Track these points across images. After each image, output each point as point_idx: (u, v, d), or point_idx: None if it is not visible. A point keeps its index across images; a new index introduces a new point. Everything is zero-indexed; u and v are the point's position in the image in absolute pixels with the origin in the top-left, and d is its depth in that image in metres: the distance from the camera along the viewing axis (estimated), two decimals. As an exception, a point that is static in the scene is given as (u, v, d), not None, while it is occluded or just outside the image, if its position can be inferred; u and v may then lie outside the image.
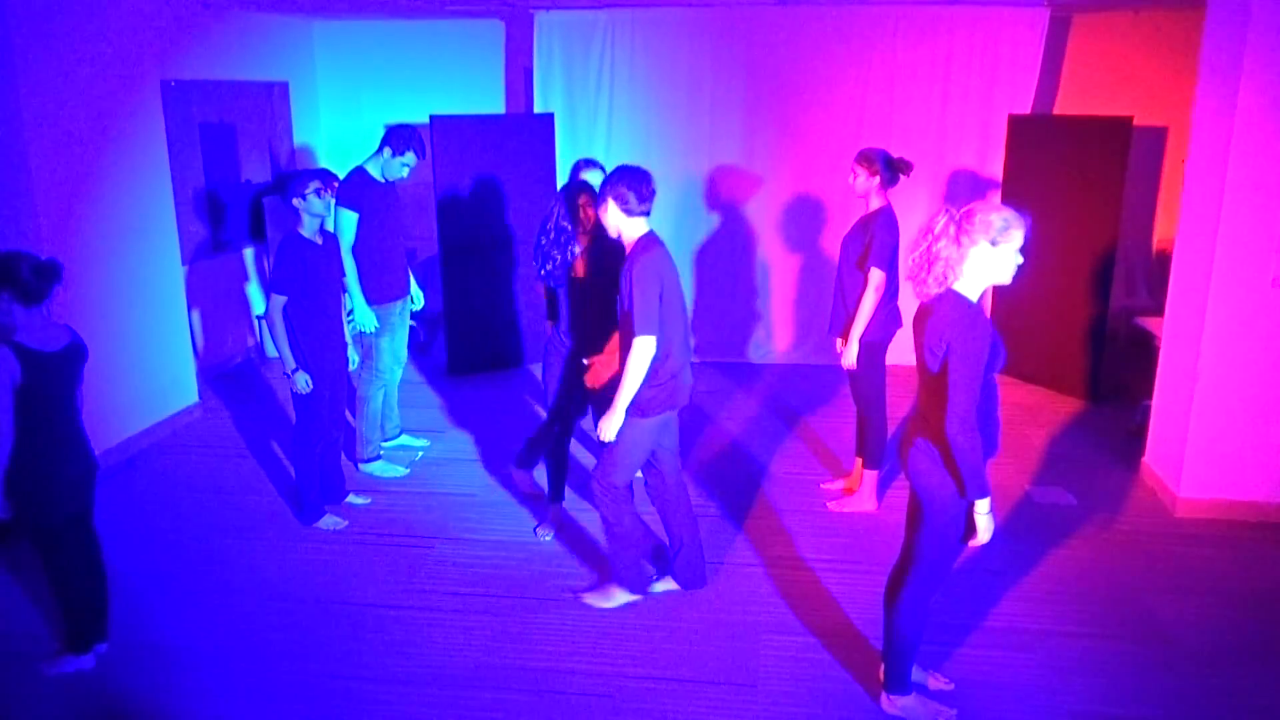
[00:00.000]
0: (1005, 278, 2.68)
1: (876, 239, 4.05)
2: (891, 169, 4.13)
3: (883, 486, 4.64)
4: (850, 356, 4.19)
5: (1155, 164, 6.94)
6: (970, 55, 6.32)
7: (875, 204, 4.15)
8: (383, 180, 4.67)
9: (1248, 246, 4.18)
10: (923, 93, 6.40)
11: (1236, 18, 4.07)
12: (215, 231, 6.60)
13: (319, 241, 4.08)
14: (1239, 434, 4.38)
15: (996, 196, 6.33)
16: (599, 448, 3.66)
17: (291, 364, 4.03)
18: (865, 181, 4.14)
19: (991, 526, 2.71)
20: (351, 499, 4.57)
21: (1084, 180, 5.85)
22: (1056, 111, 6.80)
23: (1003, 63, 6.31)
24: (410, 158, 4.62)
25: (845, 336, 4.24)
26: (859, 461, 4.55)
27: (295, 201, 3.99)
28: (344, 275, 4.34)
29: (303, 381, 4.05)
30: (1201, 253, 4.36)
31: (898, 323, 4.24)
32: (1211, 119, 4.29)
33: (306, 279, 4.00)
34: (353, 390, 4.83)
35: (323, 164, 7.36)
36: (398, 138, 4.59)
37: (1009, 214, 2.64)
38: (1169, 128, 6.81)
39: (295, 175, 4.06)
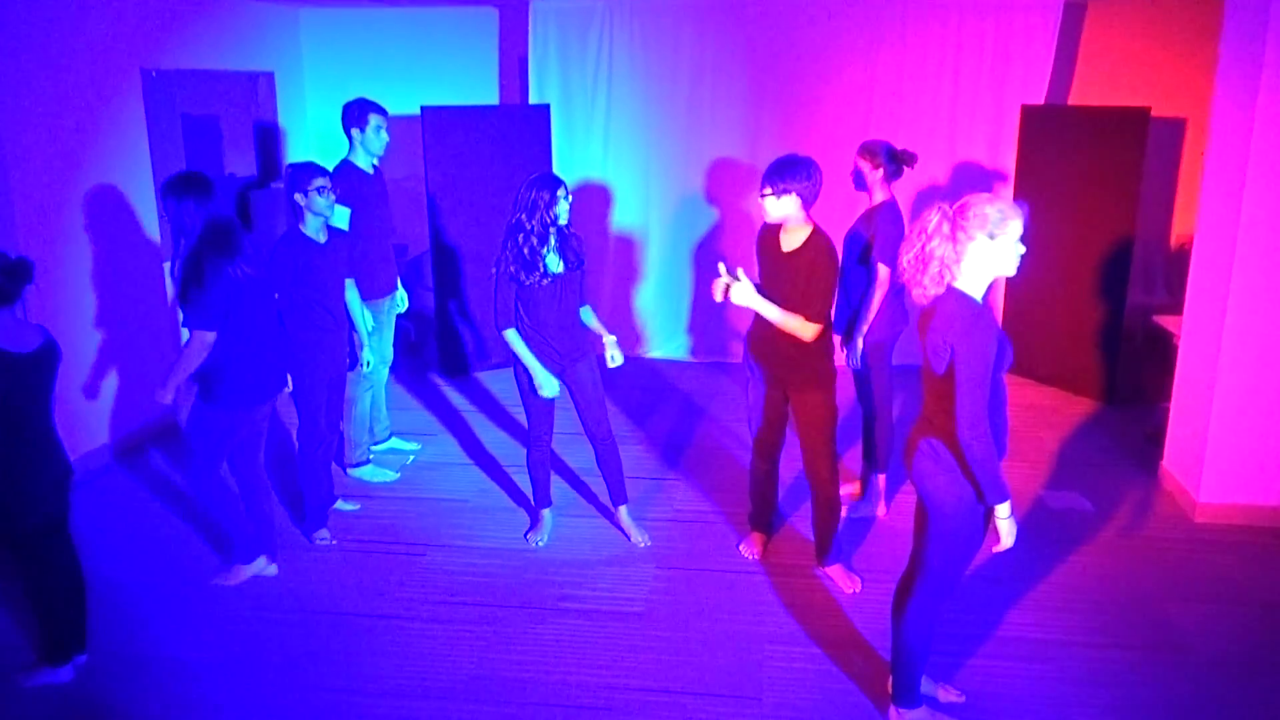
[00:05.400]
0: (1009, 269, 2.60)
1: (880, 234, 3.95)
2: (895, 161, 4.03)
3: (891, 491, 4.53)
4: (855, 356, 4.09)
5: (1173, 156, 6.80)
6: (982, 44, 6.19)
7: (879, 197, 4.06)
8: (372, 169, 4.56)
9: (1270, 242, 4.08)
10: (933, 82, 6.27)
11: (1258, 4, 3.96)
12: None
13: (322, 240, 3.94)
14: (1260, 436, 4.28)
15: (1008, 189, 6.23)
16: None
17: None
18: (869, 174, 4.05)
19: (1014, 530, 2.66)
20: (340, 504, 4.46)
21: (1099, 173, 5.74)
22: (1071, 102, 6.67)
23: (1015, 51, 6.17)
24: (375, 119, 4.48)
25: (849, 335, 4.13)
26: (865, 465, 4.43)
27: (297, 197, 3.84)
28: (348, 275, 4.18)
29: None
30: (1222, 248, 4.26)
31: (904, 320, 4.13)
32: (1231, 109, 4.20)
33: (304, 279, 3.87)
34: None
35: (309, 157, 7.24)
36: (351, 114, 4.46)
37: (1004, 204, 2.56)
38: (1187, 119, 6.68)
39: (297, 168, 3.89)
